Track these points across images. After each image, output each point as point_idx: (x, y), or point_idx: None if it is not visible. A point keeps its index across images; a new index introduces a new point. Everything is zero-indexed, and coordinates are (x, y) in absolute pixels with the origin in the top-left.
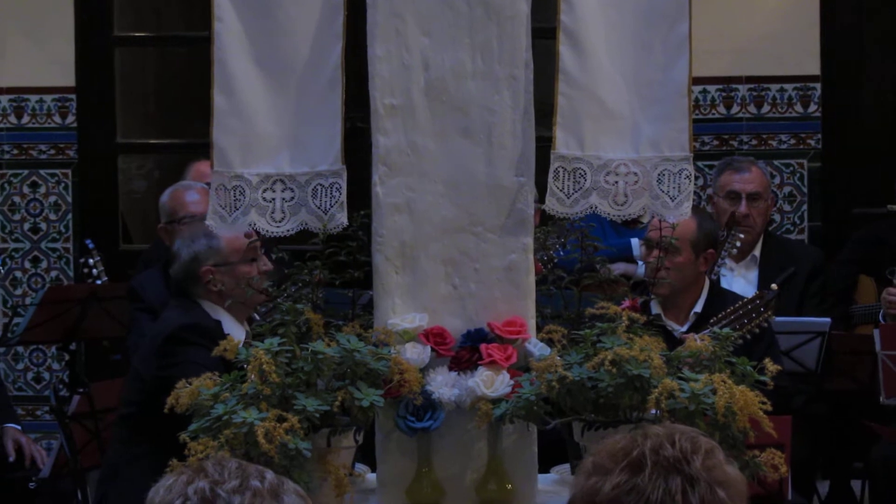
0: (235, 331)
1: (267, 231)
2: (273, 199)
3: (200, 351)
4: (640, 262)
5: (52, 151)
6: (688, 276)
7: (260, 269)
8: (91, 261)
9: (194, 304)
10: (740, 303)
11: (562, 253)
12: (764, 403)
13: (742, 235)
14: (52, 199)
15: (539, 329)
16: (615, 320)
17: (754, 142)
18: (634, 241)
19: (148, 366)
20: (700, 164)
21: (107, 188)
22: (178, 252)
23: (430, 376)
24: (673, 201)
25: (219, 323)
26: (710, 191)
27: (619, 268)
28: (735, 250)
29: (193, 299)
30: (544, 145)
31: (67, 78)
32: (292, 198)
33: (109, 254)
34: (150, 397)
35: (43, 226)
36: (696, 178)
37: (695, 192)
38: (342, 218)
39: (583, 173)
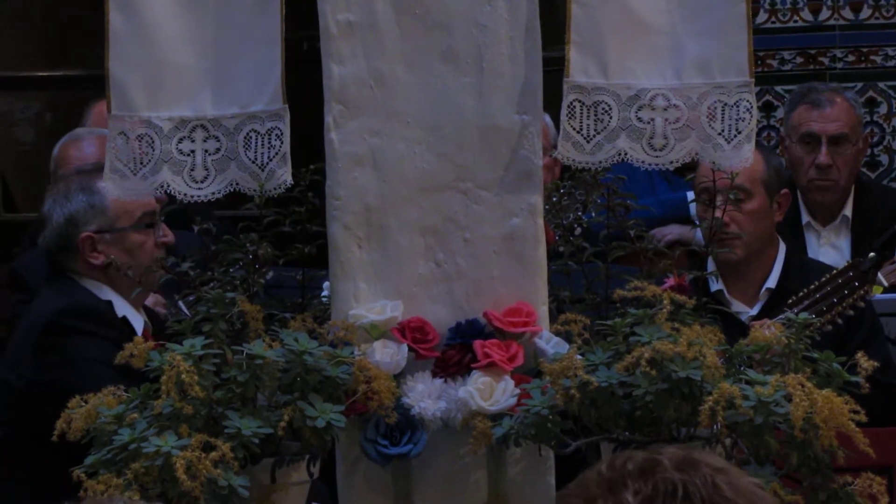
0: (132, 315)
1: (185, 194)
2: (192, 151)
3: (91, 341)
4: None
5: None
6: (765, 229)
7: (157, 240)
8: None
9: (74, 285)
10: (828, 276)
11: (584, 216)
12: (857, 412)
13: None
14: None
15: (553, 319)
16: (654, 305)
17: (851, 58)
18: (692, 195)
19: (21, 371)
20: (780, 88)
21: None
22: (47, 215)
23: (408, 385)
24: (729, 143)
25: (109, 304)
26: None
27: (672, 232)
28: None
29: (72, 279)
30: (555, 71)
31: None
32: (218, 149)
33: None
34: (27, 415)
35: None
36: (776, 107)
37: (772, 128)
38: (285, 175)
39: (607, 108)
